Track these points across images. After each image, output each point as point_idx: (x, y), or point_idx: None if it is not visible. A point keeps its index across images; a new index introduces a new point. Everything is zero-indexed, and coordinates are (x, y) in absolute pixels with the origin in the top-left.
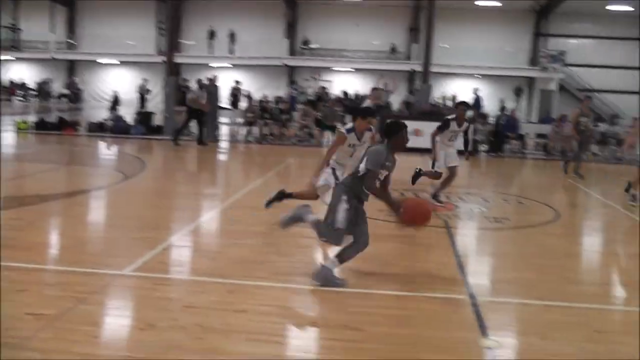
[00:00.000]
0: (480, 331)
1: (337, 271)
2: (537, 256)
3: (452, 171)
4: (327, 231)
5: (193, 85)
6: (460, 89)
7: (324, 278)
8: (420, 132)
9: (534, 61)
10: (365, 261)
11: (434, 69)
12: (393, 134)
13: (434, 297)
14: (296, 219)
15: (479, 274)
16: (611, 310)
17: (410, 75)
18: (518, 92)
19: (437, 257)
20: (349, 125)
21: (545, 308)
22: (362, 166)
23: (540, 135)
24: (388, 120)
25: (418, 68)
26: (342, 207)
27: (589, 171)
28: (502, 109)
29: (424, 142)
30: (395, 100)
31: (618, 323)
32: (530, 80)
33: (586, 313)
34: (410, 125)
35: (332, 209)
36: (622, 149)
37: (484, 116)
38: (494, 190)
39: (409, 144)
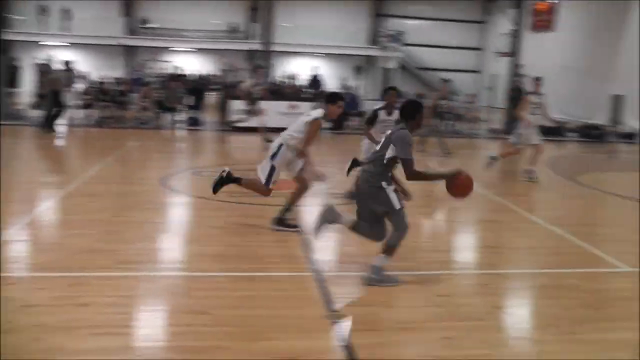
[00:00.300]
0: (327, 306)
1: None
2: None
3: None
4: (397, 222)
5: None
6: (302, 68)
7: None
8: (262, 111)
9: (374, 40)
10: (208, 244)
11: (275, 48)
12: (416, 114)
13: (279, 275)
14: (329, 220)
15: (323, 249)
16: (451, 274)
17: (251, 54)
18: (359, 71)
19: (281, 235)
20: (321, 111)
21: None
22: (389, 153)
23: None
24: (407, 100)
25: (259, 47)
26: (390, 191)
27: (431, 145)
28: (344, 87)
29: (268, 121)
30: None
31: (458, 286)
32: (371, 59)
33: (428, 279)
34: None
35: (383, 201)
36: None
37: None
38: (336, 166)
39: (253, 124)
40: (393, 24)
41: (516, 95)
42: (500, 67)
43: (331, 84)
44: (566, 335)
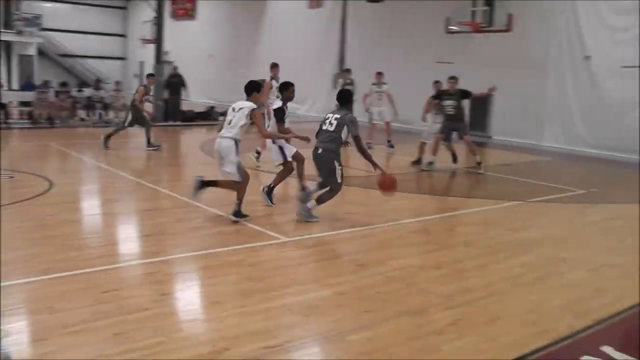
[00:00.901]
0: None
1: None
2: (36, 229)
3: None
4: (334, 191)
5: None
6: None
7: (307, 211)
8: None
9: (7, 24)
10: None
11: None
12: (350, 99)
13: None
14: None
15: None
16: (115, 268)
17: None
18: None
19: None
20: (250, 103)
21: (50, 281)
22: (344, 132)
23: (23, 103)
24: (341, 90)
25: None
26: (339, 169)
27: (81, 136)
28: None
29: None
30: None
31: (123, 279)
32: (6, 45)
33: (91, 277)
34: None
35: (331, 173)
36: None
37: None
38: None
39: None
40: (29, 7)
41: (176, 81)
42: (146, 54)
43: None
44: (235, 309)
